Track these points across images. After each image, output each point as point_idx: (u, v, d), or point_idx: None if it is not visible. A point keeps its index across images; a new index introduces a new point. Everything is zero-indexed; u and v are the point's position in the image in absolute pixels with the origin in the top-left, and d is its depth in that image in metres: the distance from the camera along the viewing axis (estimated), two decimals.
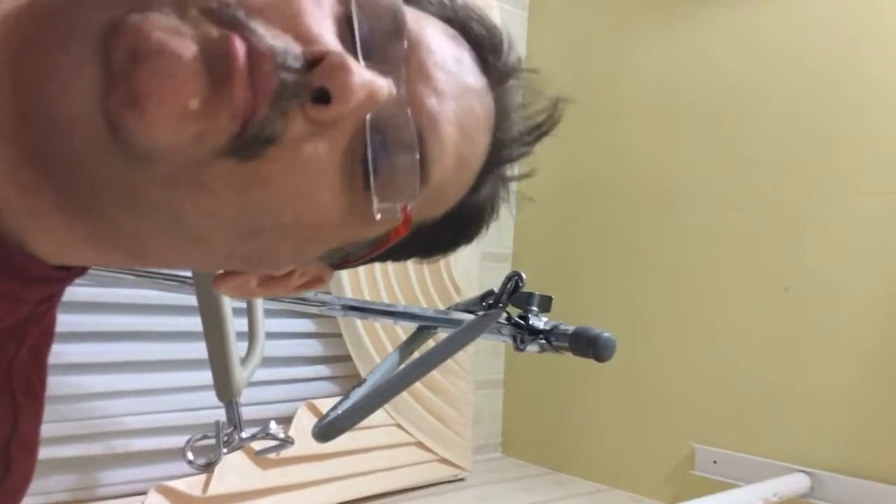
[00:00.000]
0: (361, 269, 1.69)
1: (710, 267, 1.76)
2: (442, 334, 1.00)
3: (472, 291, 1.75)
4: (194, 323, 1.20)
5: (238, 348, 1.16)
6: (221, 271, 0.43)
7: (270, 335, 1.42)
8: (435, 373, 1.69)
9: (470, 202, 0.45)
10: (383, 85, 0.35)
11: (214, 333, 1.13)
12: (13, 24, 0.33)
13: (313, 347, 1.76)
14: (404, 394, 1.69)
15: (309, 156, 0.34)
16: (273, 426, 1.19)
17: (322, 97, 0.33)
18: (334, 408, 0.88)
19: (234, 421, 1.17)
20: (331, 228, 0.38)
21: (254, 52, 0.32)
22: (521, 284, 0.94)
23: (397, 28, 0.37)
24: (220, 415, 1.17)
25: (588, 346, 0.90)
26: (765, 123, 1.68)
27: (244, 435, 1.17)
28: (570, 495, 1.87)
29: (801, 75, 1.62)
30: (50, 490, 1.35)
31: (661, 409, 1.84)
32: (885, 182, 1.49)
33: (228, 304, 1.12)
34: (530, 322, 0.95)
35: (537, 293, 0.96)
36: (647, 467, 1.86)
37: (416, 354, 0.98)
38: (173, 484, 1.42)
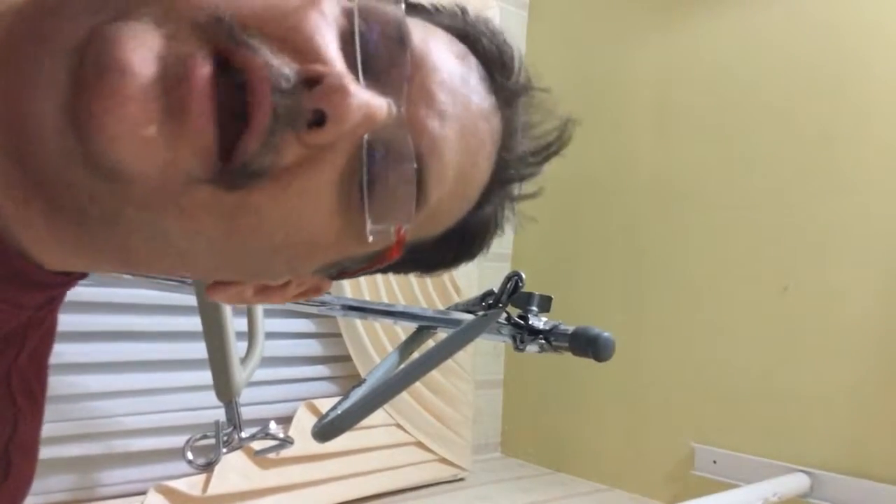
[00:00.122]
0: None
1: (710, 267, 1.76)
2: (441, 334, 0.99)
3: (471, 291, 1.75)
4: (194, 323, 1.20)
5: (238, 348, 1.16)
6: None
7: (270, 335, 1.42)
8: (435, 373, 1.69)
9: (473, 220, 0.44)
10: (382, 105, 0.33)
11: (214, 333, 1.13)
12: (2, 24, 0.33)
13: (313, 347, 1.76)
14: (404, 394, 1.69)
15: (303, 183, 0.33)
16: (273, 426, 1.19)
17: (318, 120, 0.32)
18: (334, 408, 0.88)
19: (234, 421, 1.17)
20: (325, 247, 0.37)
21: (252, 76, 0.30)
22: (520, 284, 0.94)
23: (402, 45, 0.36)
24: (220, 415, 1.17)
25: (587, 345, 0.90)
26: (765, 123, 1.68)
27: (244, 435, 1.17)
28: (570, 495, 1.87)
29: (801, 75, 1.62)
30: (50, 490, 1.35)
31: (660, 408, 1.84)
32: (885, 182, 1.49)
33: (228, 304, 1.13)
34: (530, 322, 0.95)
35: (537, 293, 0.96)
36: (647, 467, 1.86)
37: (415, 354, 0.98)
38: (173, 484, 1.42)
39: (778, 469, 1.57)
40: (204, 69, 0.30)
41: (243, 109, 0.31)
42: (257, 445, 1.20)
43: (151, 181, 0.30)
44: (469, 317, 0.98)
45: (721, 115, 1.76)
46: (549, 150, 0.45)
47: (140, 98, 0.29)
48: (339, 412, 0.86)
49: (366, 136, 0.34)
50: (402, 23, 0.36)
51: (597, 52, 2.07)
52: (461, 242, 0.45)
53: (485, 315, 0.95)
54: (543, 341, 0.94)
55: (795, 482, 1.51)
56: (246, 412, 1.20)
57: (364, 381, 0.92)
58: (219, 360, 1.13)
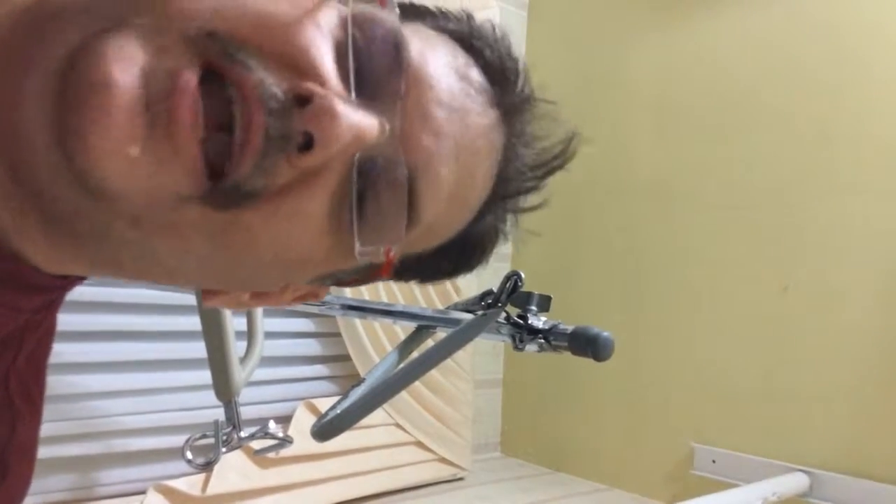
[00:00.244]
0: None
1: (710, 267, 1.76)
2: (441, 334, 0.99)
3: (471, 291, 1.75)
4: (193, 323, 1.20)
5: (237, 348, 1.16)
6: None
7: (269, 334, 1.41)
8: (434, 372, 1.70)
9: (472, 232, 0.43)
10: (372, 125, 0.33)
11: (213, 333, 1.13)
12: (6, 23, 0.32)
13: (312, 347, 1.76)
14: (404, 393, 1.69)
15: (294, 205, 0.33)
16: (272, 425, 1.19)
17: (307, 143, 0.31)
18: (333, 407, 0.88)
19: (233, 420, 1.17)
20: (315, 262, 0.37)
21: (245, 93, 0.30)
22: (520, 284, 0.94)
23: (397, 61, 0.35)
24: (219, 414, 1.17)
25: (587, 345, 0.90)
26: (765, 123, 1.68)
27: (243, 434, 1.17)
28: (570, 495, 1.87)
29: (800, 75, 1.62)
30: (49, 489, 1.35)
31: (660, 408, 1.84)
32: (885, 182, 1.49)
33: None
34: (529, 321, 0.95)
35: (536, 293, 0.96)
36: (647, 467, 1.86)
37: (415, 354, 0.98)
38: (172, 483, 1.42)
39: (777, 469, 1.57)
40: (191, 83, 0.29)
41: (230, 121, 0.30)
42: (257, 445, 1.20)
43: (138, 199, 0.30)
44: (468, 316, 0.98)
45: (721, 115, 1.76)
46: (552, 165, 0.44)
47: (124, 114, 0.28)
48: (338, 412, 0.86)
49: (357, 156, 0.34)
50: (399, 35, 0.35)
51: (597, 52, 2.07)
52: (460, 254, 0.45)
53: (484, 314, 0.95)
54: (543, 341, 0.94)
55: (795, 482, 1.51)
56: (245, 412, 1.20)
57: (363, 380, 0.92)
58: (218, 360, 1.13)
